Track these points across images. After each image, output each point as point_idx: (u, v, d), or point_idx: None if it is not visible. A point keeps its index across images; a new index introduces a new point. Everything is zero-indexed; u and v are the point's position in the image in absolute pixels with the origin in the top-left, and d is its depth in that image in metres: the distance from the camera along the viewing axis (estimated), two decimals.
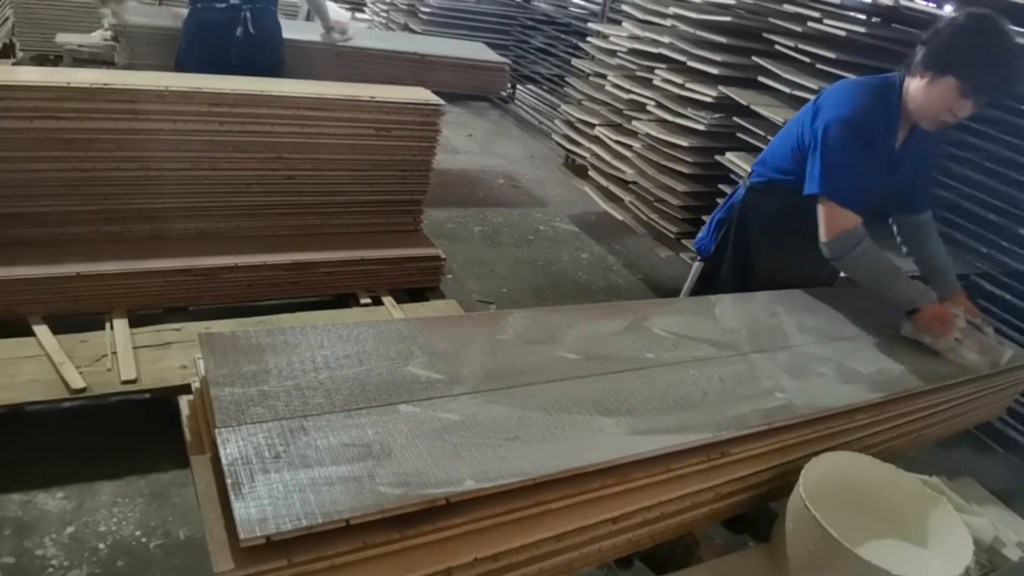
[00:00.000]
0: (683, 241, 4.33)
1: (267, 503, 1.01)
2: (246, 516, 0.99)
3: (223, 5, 3.59)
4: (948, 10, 3.72)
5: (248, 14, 3.61)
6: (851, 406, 1.69)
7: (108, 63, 4.23)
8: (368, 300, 3.11)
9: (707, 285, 2.44)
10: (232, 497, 1.01)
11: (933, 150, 2.26)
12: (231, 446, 1.11)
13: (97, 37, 4.63)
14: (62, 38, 4.62)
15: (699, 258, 2.52)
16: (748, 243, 2.36)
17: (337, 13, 4.83)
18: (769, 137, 3.69)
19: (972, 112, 1.91)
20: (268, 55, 3.75)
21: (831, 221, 1.99)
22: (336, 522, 1.02)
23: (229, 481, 1.04)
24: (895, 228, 2.37)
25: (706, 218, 4.13)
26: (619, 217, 4.94)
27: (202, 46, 3.65)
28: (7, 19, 5.40)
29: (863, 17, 3.71)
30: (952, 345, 2.04)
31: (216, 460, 1.12)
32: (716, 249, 2.46)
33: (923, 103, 1.93)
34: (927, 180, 2.31)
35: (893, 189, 2.17)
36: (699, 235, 2.59)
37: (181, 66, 3.65)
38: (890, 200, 2.25)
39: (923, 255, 2.32)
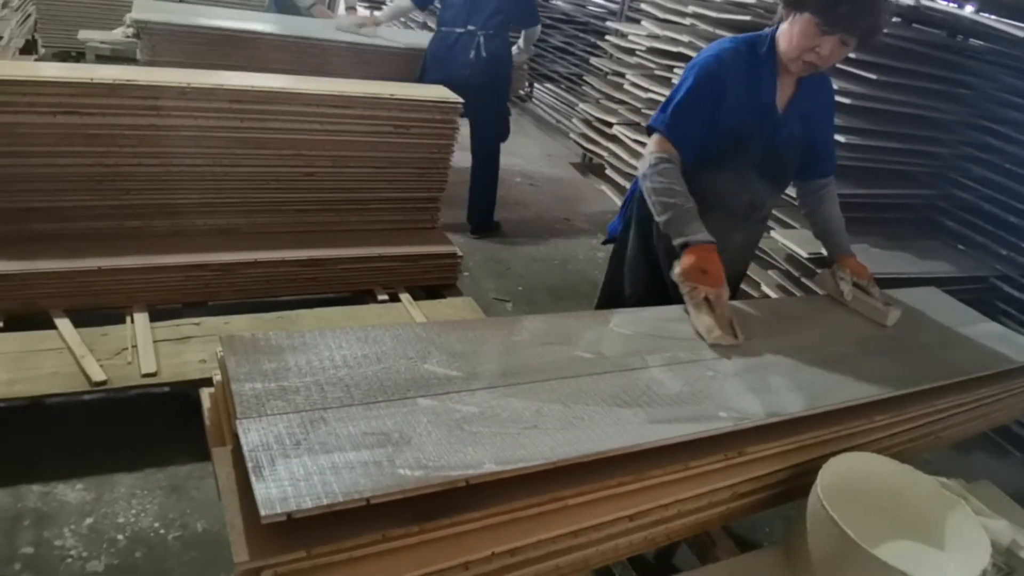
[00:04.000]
0: None
1: (288, 484, 1.02)
2: (267, 495, 1.00)
3: (461, 30, 4.15)
4: (969, 10, 3.70)
5: (481, 39, 4.12)
6: (868, 399, 1.68)
7: (130, 60, 4.27)
8: (385, 297, 3.12)
9: (617, 267, 2.43)
10: (253, 479, 1.02)
11: (825, 110, 2.19)
12: (252, 435, 1.12)
13: (119, 34, 4.67)
14: (84, 35, 4.66)
15: (607, 239, 2.52)
16: (647, 219, 2.23)
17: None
18: None
19: (842, 53, 1.87)
20: (496, 77, 4.32)
21: (649, 146, 2.03)
22: (356, 501, 1.02)
23: (250, 465, 1.05)
24: (796, 192, 2.34)
25: None
26: None
27: (440, 66, 4.20)
28: (29, 16, 5.45)
29: None
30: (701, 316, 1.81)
31: (237, 451, 1.13)
32: (623, 228, 2.42)
33: (786, 45, 1.91)
34: (827, 142, 2.22)
35: (784, 149, 2.11)
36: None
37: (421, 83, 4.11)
38: (786, 162, 2.16)
39: (816, 216, 2.27)
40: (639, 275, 2.32)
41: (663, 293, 2.16)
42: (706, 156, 2.05)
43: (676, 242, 1.91)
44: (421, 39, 4.60)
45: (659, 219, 1.97)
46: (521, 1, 4.33)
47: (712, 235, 1.99)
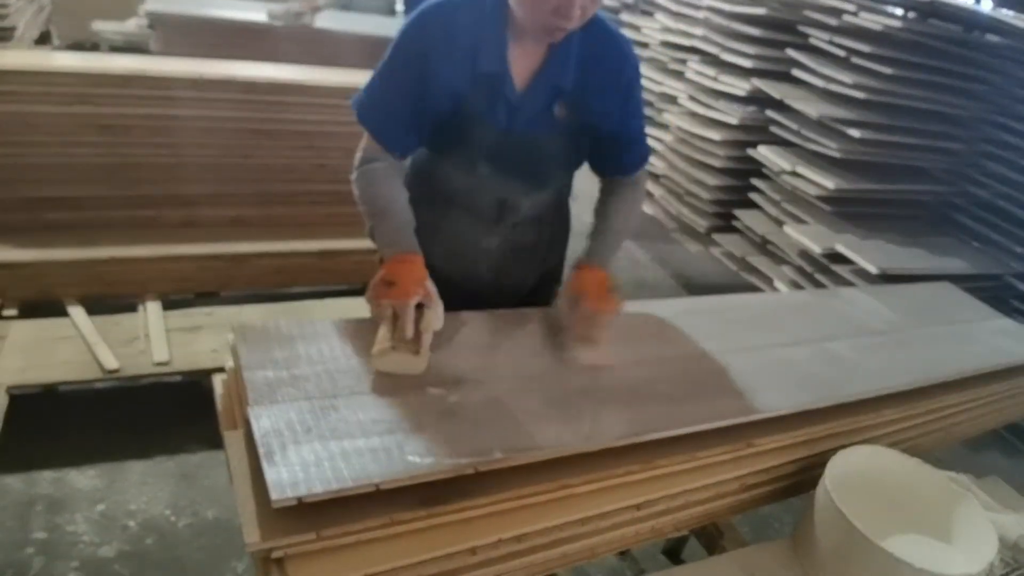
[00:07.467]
0: (713, 236, 4.31)
1: (299, 469, 1.03)
2: (278, 480, 1.01)
3: None
4: (986, 5, 3.68)
5: None
6: (880, 392, 1.68)
7: (143, 50, 4.29)
8: None
9: None
10: (265, 464, 1.03)
11: (615, 88, 1.58)
12: (264, 421, 1.12)
13: (132, 25, 4.70)
14: (98, 26, 4.70)
15: None
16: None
17: None
18: (803, 131, 3.67)
19: (592, 2, 1.37)
20: None
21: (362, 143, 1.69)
22: (366, 486, 1.03)
23: (262, 451, 1.06)
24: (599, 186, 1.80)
25: (737, 212, 4.13)
26: (648, 211, 4.93)
27: None
28: (44, 7, 5.48)
29: (899, 11, 3.67)
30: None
31: (248, 436, 1.14)
32: None
33: (520, 12, 1.42)
34: (620, 133, 1.65)
35: (531, 137, 1.59)
36: None
37: None
38: (540, 154, 1.63)
39: (599, 209, 1.74)
40: None
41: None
42: (433, 140, 1.66)
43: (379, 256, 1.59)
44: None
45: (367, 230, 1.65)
46: None
47: (462, 238, 1.75)
